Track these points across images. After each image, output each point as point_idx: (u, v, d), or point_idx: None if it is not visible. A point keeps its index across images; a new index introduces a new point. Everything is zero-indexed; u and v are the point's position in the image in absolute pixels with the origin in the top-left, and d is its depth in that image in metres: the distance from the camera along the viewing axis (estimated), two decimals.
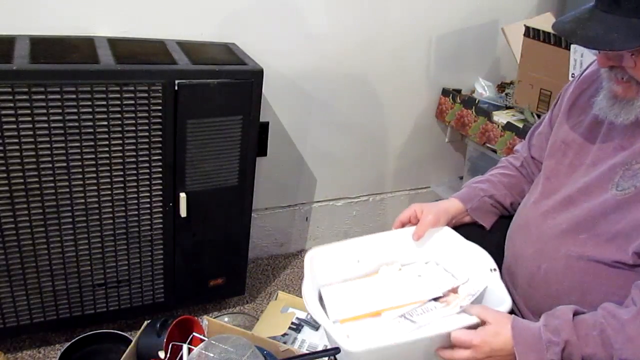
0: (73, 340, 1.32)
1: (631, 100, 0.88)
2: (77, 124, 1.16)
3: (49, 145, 1.16)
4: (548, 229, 0.98)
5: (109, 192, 1.26)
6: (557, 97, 1.11)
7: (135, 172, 1.27)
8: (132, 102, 1.19)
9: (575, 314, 0.86)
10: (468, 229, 1.17)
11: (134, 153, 1.25)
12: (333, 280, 1.10)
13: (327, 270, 1.09)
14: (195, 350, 1.10)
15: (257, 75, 1.32)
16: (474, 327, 0.91)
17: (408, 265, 1.14)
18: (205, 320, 1.32)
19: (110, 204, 1.27)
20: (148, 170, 1.28)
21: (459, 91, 1.91)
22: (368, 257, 1.13)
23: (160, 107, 1.23)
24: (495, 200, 1.16)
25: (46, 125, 1.13)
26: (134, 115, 1.21)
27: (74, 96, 1.13)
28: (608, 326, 0.82)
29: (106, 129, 1.20)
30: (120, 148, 1.23)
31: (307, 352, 1.26)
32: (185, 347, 1.16)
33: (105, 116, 1.18)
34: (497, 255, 1.12)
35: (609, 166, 0.92)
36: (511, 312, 0.94)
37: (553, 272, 0.96)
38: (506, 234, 1.13)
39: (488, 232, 1.17)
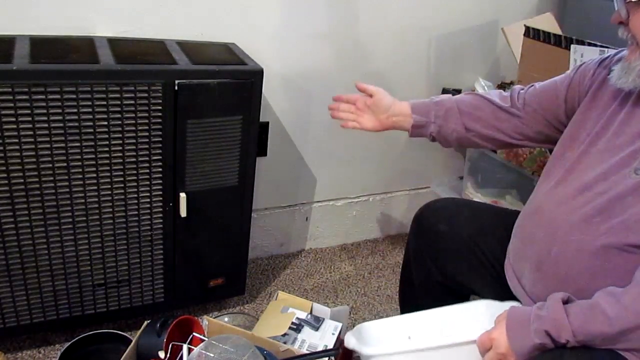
0: (73, 340, 1.32)
1: (632, 63, 0.90)
2: (77, 124, 1.16)
3: (49, 145, 1.16)
4: (562, 214, 0.97)
5: (109, 192, 1.26)
6: (575, 70, 1.09)
7: (135, 172, 1.27)
8: (132, 102, 1.19)
9: (570, 300, 0.89)
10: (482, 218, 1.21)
11: (134, 153, 1.25)
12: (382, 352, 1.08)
13: (376, 344, 1.08)
14: (195, 350, 1.10)
15: (257, 75, 1.32)
16: None
17: (459, 344, 1.13)
18: (205, 320, 1.32)
19: (110, 204, 1.27)
20: (148, 170, 1.28)
21: (459, 91, 1.91)
22: (419, 334, 1.11)
23: (160, 107, 1.23)
24: (438, 132, 1.21)
25: (46, 125, 1.13)
26: (134, 115, 1.21)
27: (74, 96, 1.13)
28: (603, 301, 0.84)
29: (106, 129, 1.19)
30: (120, 148, 1.23)
31: (307, 352, 1.26)
32: (185, 347, 1.16)
33: (105, 116, 1.18)
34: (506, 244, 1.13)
35: (629, 152, 0.92)
36: None
37: (563, 256, 0.95)
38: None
39: (499, 224, 1.17)
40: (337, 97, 1.29)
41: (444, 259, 1.22)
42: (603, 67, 1.04)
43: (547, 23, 1.72)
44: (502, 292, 1.09)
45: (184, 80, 1.23)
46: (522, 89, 1.19)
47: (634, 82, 0.91)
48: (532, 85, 1.18)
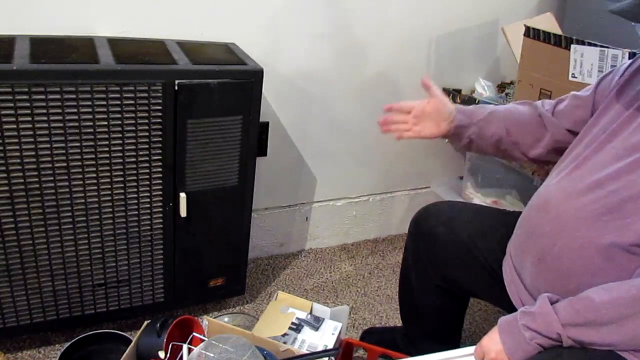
0: (73, 340, 1.32)
1: None
2: (77, 124, 1.16)
3: (49, 145, 1.16)
4: (570, 209, 0.97)
5: (109, 192, 1.26)
6: (601, 79, 1.09)
7: (135, 172, 1.27)
8: (132, 102, 1.19)
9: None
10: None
11: (134, 153, 1.25)
12: None
13: None
14: (195, 350, 1.10)
15: (257, 75, 1.32)
16: None
17: (457, 357, 1.12)
18: (205, 320, 1.32)
19: (110, 204, 1.27)
20: (148, 170, 1.28)
21: (459, 91, 1.91)
22: None
23: (160, 107, 1.23)
24: (478, 135, 1.17)
25: (46, 125, 1.14)
26: (134, 115, 1.21)
27: (74, 96, 1.13)
28: (593, 293, 0.85)
29: (106, 129, 1.20)
30: (120, 148, 1.23)
31: (307, 352, 1.26)
32: (185, 347, 1.16)
33: (105, 116, 1.18)
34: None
35: None
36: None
37: (567, 251, 0.95)
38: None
39: (498, 226, 1.17)
40: (388, 106, 1.20)
41: (442, 262, 1.22)
42: (630, 72, 1.03)
43: (547, 23, 1.72)
44: (500, 295, 1.09)
45: (184, 80, 1.23)
46: (550, 105, 1.17)
47: None
48: (560, 101, 1.16)
